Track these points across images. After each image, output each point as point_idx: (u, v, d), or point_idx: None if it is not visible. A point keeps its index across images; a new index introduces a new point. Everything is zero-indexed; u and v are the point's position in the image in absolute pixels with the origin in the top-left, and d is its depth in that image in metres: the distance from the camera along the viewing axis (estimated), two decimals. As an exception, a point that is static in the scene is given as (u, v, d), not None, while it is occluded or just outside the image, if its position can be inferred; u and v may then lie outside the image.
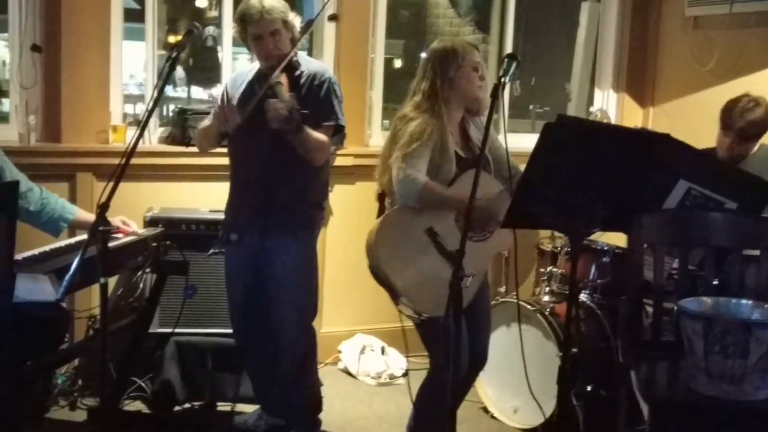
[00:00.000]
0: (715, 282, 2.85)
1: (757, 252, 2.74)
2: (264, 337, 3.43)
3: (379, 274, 3.07)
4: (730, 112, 3.75)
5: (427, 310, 3.00)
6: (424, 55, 3.33)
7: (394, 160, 3.02)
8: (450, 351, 3.01)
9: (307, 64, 3.31)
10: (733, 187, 2.68)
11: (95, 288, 2.66)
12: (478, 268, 3.14)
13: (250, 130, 3.07)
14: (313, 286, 3.49)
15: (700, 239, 2.70)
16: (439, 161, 3.05)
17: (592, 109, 3.16)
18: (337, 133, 3.30)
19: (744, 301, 2.44)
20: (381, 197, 3.24)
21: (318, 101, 3.18)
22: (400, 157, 3.00)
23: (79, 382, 3.83)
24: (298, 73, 3.22)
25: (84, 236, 2.94)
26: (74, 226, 3.42)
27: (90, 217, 3.37)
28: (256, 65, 3.36)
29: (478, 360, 3.28)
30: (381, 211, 3.23)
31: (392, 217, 3.04)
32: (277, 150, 3.14)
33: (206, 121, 3.36)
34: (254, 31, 3.15)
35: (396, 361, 4.44)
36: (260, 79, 3.21)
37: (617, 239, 3.81)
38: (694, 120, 4.81)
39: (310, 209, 3.37)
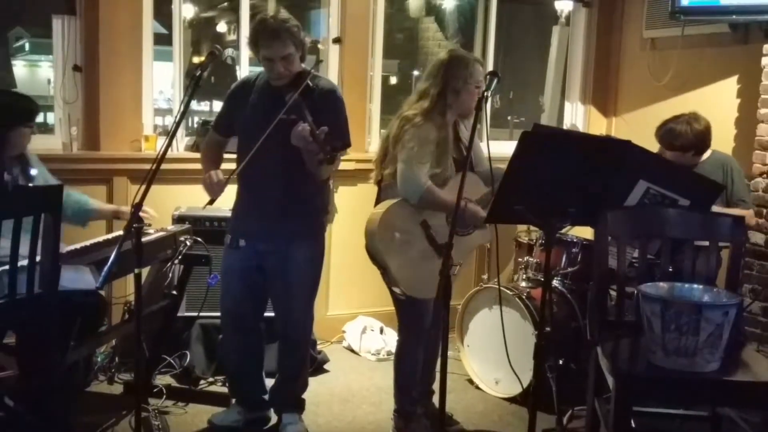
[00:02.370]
0: (670, 269, 2.84)
1: (706, 243, 2.74)
2: (274, 334, 3.34)
3: (375, 255, 3.07)
4: (659, 136, 3.77)
5: (413, 291, 3.01)
6: (440, 57, 3.16)
7: (401, 161, 3.01)
8: (426, 328, 3.05)
9: (317, 81, 3.09)
10: (685, 186, 2.68)
11: (130, 277, 2.66)
12: (461, 258, 3.16)
13: (265, 146, 2.87)
14: (319, 282, 3.36)
15: (657, 232, 2.69)
16: (439, 164, 3.06)
17: (564, 123, 3.17)
18: (344, 148, 3.12)
19: (695, 286, 2.43)
20: (379, 183, 3.21)
21: (331, 123, 2.90)
22: (407, 160, 3.00)
23: (116, 359, 3.81)
24: (311, 91, 3.01)
25: (120, 232, 2.94)
26: (96, 217, 3.42)
27: (106, 207, 3.48)
28: (258, 75, 3.15)
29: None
30: (378, 195, 3.20)
31: (393, 209, 3.03)
32: (288, 163, 3.00)
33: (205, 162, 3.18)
34: (266, 54, 2.94)
35: (393, 340, 4.43)
36: (274, 96, 2.99)
37: (585, 232, 3.82)
38: (651, 128, 4.77)
39: (319, 215, 3.23)
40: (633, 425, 2.45)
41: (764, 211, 3.96)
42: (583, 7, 5.19)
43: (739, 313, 2.64)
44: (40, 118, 4.31)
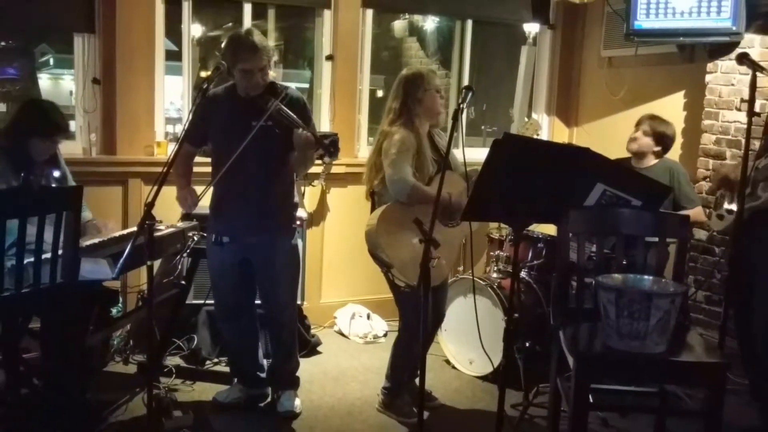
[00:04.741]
0: (624, 262, 2.85)
1: (656, 239, 2.75)
2: (263, 319, 3.30)
3: (377, 254, 3.07)
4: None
5: (413, 281, 3.01)
6: (400, 75, 3.20)
7: (386, 167, 3.03)
8: (421, 314, 3.05)
9: (285, 89, 3.05)
10: (638, 188, 2.67)
11: (143, 269, 2.64)
12: (450, 250, 3.18)
13: (246, 151, 2.85)
14: (300, 267, 3.35)
15: (612, 229, 2.69)
16: (419, 163, 3.07)
17: (526, 118, 3.17)
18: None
19: (646, 277, 2.44)
20: (372, 195, 3.22)
21: (307, 124, 2.96)
22: (391, 164, 3.01)
23: (131, 342, 3.80)
24: (282, 96, 2.99)
25: (134, 228, 2.92)
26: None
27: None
28: (224, 89, 3.06)
29: (439, 318, 3.36)
30: (373, 206, 3.21)
31: (388, 210, 3.05)
32: (268, 165, 3.00)
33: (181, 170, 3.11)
34: (246, 66, 2.88)
35: (379, 325, 4.43)
36: (249, 105, 2.93)
37: (549, 229, 3.83)
38: (608, 137, 4.82)
39: (295, 209, 3.24)
40: (591, 400, 2.46)
41: (707, 210, 3.99)
42: (548, 29, 5.20)
43: (685, 301, 2.66)
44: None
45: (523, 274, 3.80)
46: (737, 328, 3.20)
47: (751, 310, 3.03)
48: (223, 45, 3.03)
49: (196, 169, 3.25)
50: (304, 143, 2.88)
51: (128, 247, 2.51)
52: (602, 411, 3.20)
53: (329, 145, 2.91)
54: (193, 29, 4.40)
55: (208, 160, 3.18)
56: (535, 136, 3.21)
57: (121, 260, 2.59)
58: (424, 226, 3.01)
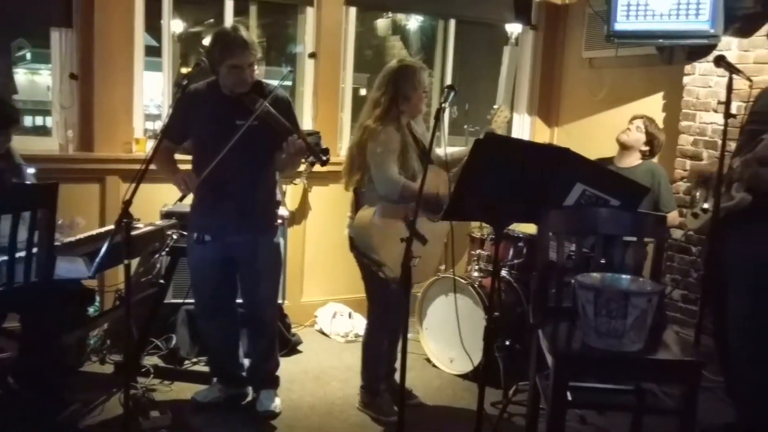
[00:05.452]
0: (602, 261, 2.87)
1: (634, 238, 2.78)
2: (244, 317, 3.27)
3: (368, 252, 3.06)
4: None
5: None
6: (390, 67, 3.14)
7: (374, 167, 3.02)
8: (395, 310, 3.07)
9: (270, 88, 3.03)
10: (616, 188, 2.69)
11: (121, 267, 2.62)
12: (438, 244, 3.22)
13: (230, 150, 2.81)
14: (281, 266, 3.35)
15: (591, 228, 2.70)
16: (405, 160, 3.07)
17: (495, 105, 3.15)
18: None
19: (624, 276, 2.45)
20: (356, 190, 3.20)
21: (293, 124, 2.96)
22: (379, 164, 3.00)
23: (108, 341, 3.76)
24: (266, 93, 2.97)
25: (111, 227, 2.89)
26: None
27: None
28: (206, 84, 3.01)
29: (407, 312, 3.31)
30: (356, 204, 3.18)
31: (383, 207, 3.04)
32: (250, 165, 2.98)
33: (166, 161, 3.03)
34: (236, 62, 2.84)
35: (360, 324, 4.42)
36: (234, 103, 2.90)
37: (530, 228, 3.85)
38: (588, 137, 4.86)
39: (278, 207, 3.24)
40: (569, 398, 2.47)
41: (683, 210, 4.03)
42: (531, 30, 5.22)
43: (661, 299, 2.69)
44: (39, 122, 4.21)
45: (503, 273, 3.82)
46: (714, 326, 3.24)
47: (726, 308, 3.06)
48: (208, 41, 2.98)
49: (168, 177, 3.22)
50: (296, 151, 2.87)
51: (105, 245, 2.49)
52: (580, 409, 3.22)
53: (320, 153, 2.88)
54: (174, 25, 4.36)
55: (189, 157, 3.15)
56: (503, 123, 3.18)
57: (98, 259, 2.57)
58: (414, 223, 3.05)
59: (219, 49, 2.87)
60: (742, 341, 2.96)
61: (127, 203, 2.45)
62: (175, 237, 3.34)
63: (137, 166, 2.54)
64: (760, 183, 2.80)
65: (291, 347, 4.03)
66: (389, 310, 3.18)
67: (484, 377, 2.72)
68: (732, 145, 3.16)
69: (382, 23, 6.50)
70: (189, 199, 3.02)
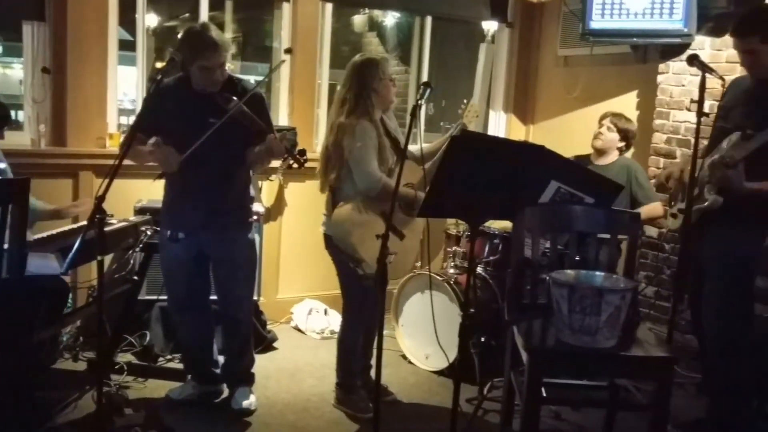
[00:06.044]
0: (577, 258, 2.90)
1: (607, 236, 2.81)
2: (218, 314, 3.25)
3: (346, 247, 3.05)
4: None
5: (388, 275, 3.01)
6: (353, 62, 3.13)
7: (353, 163, 3.01)
8: (370, 305, 3.08)
9: (243, 84, 3.01)
10: (590, 186, 2.71)
11: (94, 264, 2.58)
12: (416, 240, 3.23)
13: (203, 145, 2.79)
14: (257, 262, 3.33)
15: (566, 226, 2.72)
16: (380, 154, 3.06)
17: (465, 101, 3.17)
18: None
19: (598, 273, 2.47)
20: (332, 189, 3.19)
21: (266, 122, 2.93)
22: (358, 160, 2.99)
23: (81, 339, 3.71)
24: (239, 89, 2.94)
25: (84, 222, 2.85)
26: (37, 218, 3.20)
27: (44, 204, 3.26)
28: (175, 80, 2.96)
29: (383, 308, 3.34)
30: (333, 201, 3.16)
31: (356, 208, 3.03)
32: (223, 162, 2.95)
33: (141, 148, 2.85)
34: (206, 63, 2.81)
35: (335, 320, 4.42)
36: (207, 101, 2.87)
37: (506, 225, 3.87)
38: (563, 135, 4.90)
39: (251, 203, 3.22)
40: (543, 394, 2.49)
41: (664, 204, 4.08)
42: (507, 27, 5.25)
43: (635, 296, 2.72)
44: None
45: (479, 269, 3.83)
46: (693, 323, 3.28)
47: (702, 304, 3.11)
48: (179, 39, 2.94)
49: (148, 162, 3.17)
50: (274, 152, 2.85)
51: (77, 241, 2.46)
52: (555, 405, 3.25)
53: (298, 155, 2.86)
54: (149, 19, 4.31)
55: None
56: (474, 120, 3.19)
57: (71, 255, 2.53)
58: (392, 218, 3.05)
59: (188, 50, 2.82)
60: (715, 334, 3.02)
61: (100, 199, 2.42)
62: (149, 233, 3.30)
63: (111, 162, 2.50)
64: (728, 184, 2.84)
65: (266, 344, 4.01)
66: (365, 306, 3.18)
67: (459, 374, 2.73)
68: (705, 143, 3.20)
69: (358, 19, 6.48)
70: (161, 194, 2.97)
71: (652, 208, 3.82)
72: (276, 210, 4.47)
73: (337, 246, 3.11)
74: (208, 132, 2.78)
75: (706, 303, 3.03)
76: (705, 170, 3.00)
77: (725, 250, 2.95)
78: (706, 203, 2.95)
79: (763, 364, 3.12)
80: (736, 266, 2.94)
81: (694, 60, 3.07)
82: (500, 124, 5.35)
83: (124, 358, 3.62)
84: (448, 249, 4.13)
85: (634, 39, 4.21)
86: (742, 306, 2.98)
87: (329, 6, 4.61)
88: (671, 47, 4.14)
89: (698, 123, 2.99)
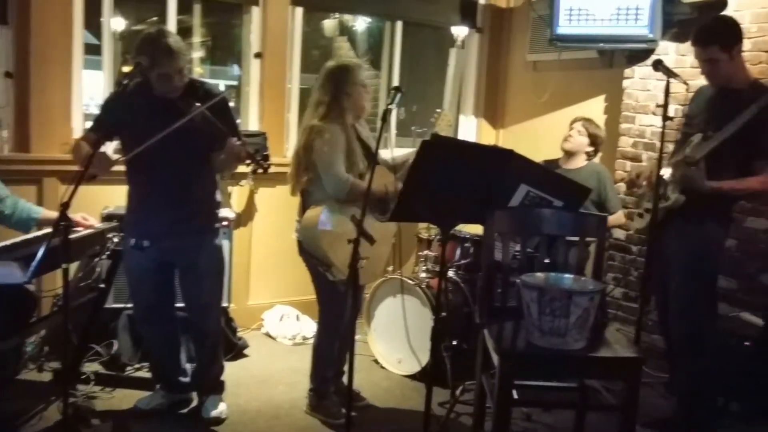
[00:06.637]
0: (546, 261, 2.93)
1: (576, 238, 2.84)
2: (186, 322, 3.22)
3: (316, 252, 3.03)
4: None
5: (359, 279, 3.00)
6: (327, 67, 3.14)
7: (321, 166, 3.00)
8: (345, 310, 3.07)
9: (206, 87, 2.98)
10: (559, 190, 2.75)
11: (59, 272, 2.54)
12: (387, 244, 3.22)
13: (166, 151, 2.74)
14: (224, 269, 3.30)
15: (535, 229, 2.75)
16: (350, 159, 3.06)
17: (438, 110, 3.17)
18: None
19: (567, 276, 2.49)
20: (303, 193, 3.18)
21: (230, 126, 2.89)
22: (327, 163, 2.99)
23: (46, 349, 3.63)
24: (201, 93, 2.90)
25: (49, 230, 2.80)
26: (42, 225, 3.19)
27: (53, 215, 3.17)
28: (136, 85, 2.88)
29: (357, 311, 3.32)
30: (303, 205, 3.15)
31: (329, 208, 3.02)
32: (186, 167, 2.91)
33: (85, 148, 2.78)
34: (164, 71, 2.77)
35: (307, 326, 4.40)
36: (168, 105, 2.82)
37: (477, 229, 3.89)
38: (532, 139, 4.95)
39: (218, 208, 3.18)
40: (515, 396, 2.51)
41: (625, 210, 4.15)
42: (476, 33, 5.29)
43: (603, 298, 2.76)
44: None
45: (451, 273, 3.84)
46: (659, 321, 3.34)
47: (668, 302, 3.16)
48: (135, 45, 2.86)
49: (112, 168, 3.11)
50: (235, 157, 2.81)
51: (41, 249, 2.41)
52: (526, 407, 3.28)
53: (262, 159, 2.83)
54: (115, 22, 4.25)
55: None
56: (447, 127, 3.20)
57: (34, 263, 2.48)
58: (362, 222, 3.04)
59: (145, 57, 2.77)
60: (680, 330, 3.07)
61: (65, 205, 2.38)
62: (116, 240, 3.25)
63: (76, 167, 2.46)
64: (690, 183, 2.91)
65: (237, 351, 3.97)
66: (340, 313, 3.16)
67: (432, 377, 2.74)
68: (670, 147, 3.26)
69: (329, 24, 6.48)
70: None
71: (617, 217, 3.92)
72: (246, 215, 4.44)
73: (308, 251, 3.10)
74: (157, 136, 2.71)
75: (671, 304, 3.08)
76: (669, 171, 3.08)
77: (688, 246, 3.02)
78: (670, 201, 3.03)
79: (728, 363, 3.18)
80: (699, 261, 3.02)
81: (658, 65, 3.14)
82: (471, 129, 5.38)
83: (91, 367, 3.55)
84: (420, 253, 4.13)
85: (601, 44, 4.28)
86: (706, 301, 3.05)
87: (299, 10, 4.60)
88: (637, 52, 4.21)
89: (663, 127, 3.05)
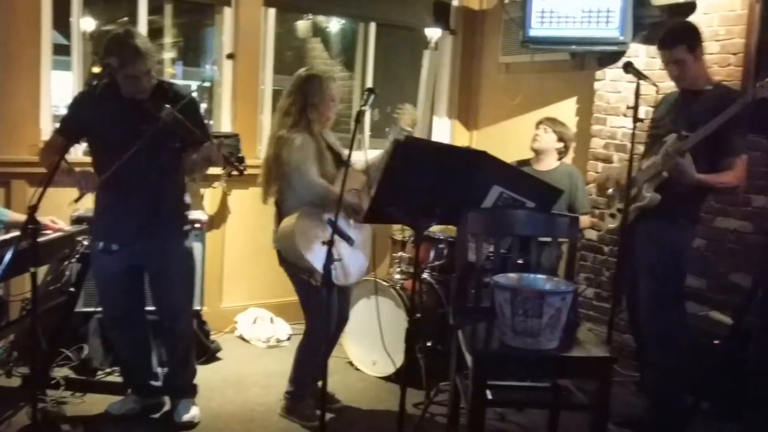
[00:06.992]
0: (519, 261, 2.95)
1: (549, 239, 2.87)
2: (157, 326, 3.19)
3: (296, 259, 3.01)
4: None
5: (338, 281, 2.99)
6: (299, 76, 3.16)
7: (294, 173, 3.01)
8: (328, 315, 3.05)
9: (174, 87, 2.97)
10: (531, 191, 2.77)
11: (28, 276, 2.49)
12: (367, 245, 3.23)
13: (135, 153, 2.69)
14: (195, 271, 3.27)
15: (508, 230, 2.76)
16: (321, 167, 3.06)
17: (401, 105, 3.14)
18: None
19: (540, 276, 2.51)
20: (276, 203, 3.18)
21: (199, 125, 2.88)
22: (298, 170, 3.00)
23: (14, 353, 3.56)
24: (170, 94, 2.87)
25: (17, 233, 2.75)
26: (9, 227, 3.13)
27: (22, 217, 3.10)
28: (102, 86, 2.78)
29: (343, 319, 3.36)
30: (279, 215, 3.15)
31: (304, 213, 3.01)
32: (155, 170, 2.87)
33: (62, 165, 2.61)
34: (131, 72, 2.73)
35: (282, 328, 4.38)
36: (137, 107, 2.78)
37: (451, 230, 3.91)
38: (506, 140, 4.98)
39: (187, 210, 3.16)
40: (488, 396, 2.53)
41: (596, 211, 4.20)
42: (450, 35, 5.32)
43: (575, 298, 2.78)
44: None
45: (425, 274, 3.85)
46: (630, 324, 3.38)
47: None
48: (103, 46, 2.81)
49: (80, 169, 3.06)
50: (212, 160, 2.80)
51: (9, 252, 2.37)
52: (500, 407, 3.29)
53: (237, 162, 2.82)
54: (85, 23, 4.19)
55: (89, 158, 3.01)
56: (410, 124, 3.18)
57: (1, 267, 2.44)
58: (338, 226, 3.04)
59: (112, 58, 2.71)
60: (650, 329, 3.12)
61: (33, 208, 2.34)
62: (85, 243, 3.21)
63: (44, 170, 2.43)
64: (681, 172, 2.92)
65: (210, 354, 3.94)
66: (327, 317, 3.14)
67: (406, 379, 2.74)
68: (640, 148, 3.31)
69: (302, 25, 6.46)
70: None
71: (584, 219, 3.97)
72: (219, 218, 4.41)
73: (288, 261, 3.09)
74: (139, 141, 2.68)
75: (640, 294, 3.13)
76: (641, 172, 3.12)
77: (656, 245, 3.07)
78: (645, 201, 3.07)
79: (698, 362, 3.24)
80: (667, 261, 3.07)
81: (629, 67, 3.19)
82: (444, 130, 5.40)
83: (61, 372, 3.50)
84: (394, 254, 4.14)
85: (573, 46, 4.33)
86: (674, 301, 3.10)
87: (272, 11, 4.59)
88: (608, 54, 4.27)
89: (634, 128, 3.10)
